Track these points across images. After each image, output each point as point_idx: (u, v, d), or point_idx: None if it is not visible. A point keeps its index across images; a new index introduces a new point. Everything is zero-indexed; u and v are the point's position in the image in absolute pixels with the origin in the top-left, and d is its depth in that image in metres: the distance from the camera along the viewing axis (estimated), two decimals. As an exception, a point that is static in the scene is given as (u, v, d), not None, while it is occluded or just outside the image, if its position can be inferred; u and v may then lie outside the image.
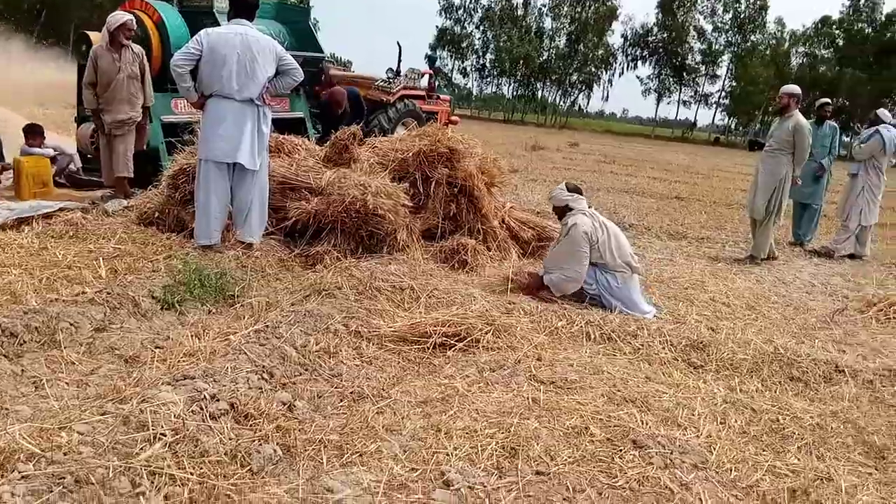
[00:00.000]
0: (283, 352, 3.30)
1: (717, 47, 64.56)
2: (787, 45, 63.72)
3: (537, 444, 2.73)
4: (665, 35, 64.25)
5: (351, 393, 3.13)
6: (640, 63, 67.03)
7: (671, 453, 2.74)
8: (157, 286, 4.08)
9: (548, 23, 66.12)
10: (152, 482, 2.12)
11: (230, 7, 5.33)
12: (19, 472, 2.00)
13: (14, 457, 2.07)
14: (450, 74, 66.00)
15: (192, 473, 2.20)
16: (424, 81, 12.80)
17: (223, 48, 4.94)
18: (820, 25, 61.95)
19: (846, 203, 8.24)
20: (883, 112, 8.40)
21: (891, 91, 55.52)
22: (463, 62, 68.04)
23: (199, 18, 7.50)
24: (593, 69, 66.22)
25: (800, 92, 7.35)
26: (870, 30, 58.66)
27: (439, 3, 65.25)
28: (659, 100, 67.70)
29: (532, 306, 4.55)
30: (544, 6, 65.25)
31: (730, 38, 64.19)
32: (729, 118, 69.63)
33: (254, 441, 2.50)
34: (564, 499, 2.42)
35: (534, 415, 3.00)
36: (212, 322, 3.86)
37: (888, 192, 9.22)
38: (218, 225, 5.16)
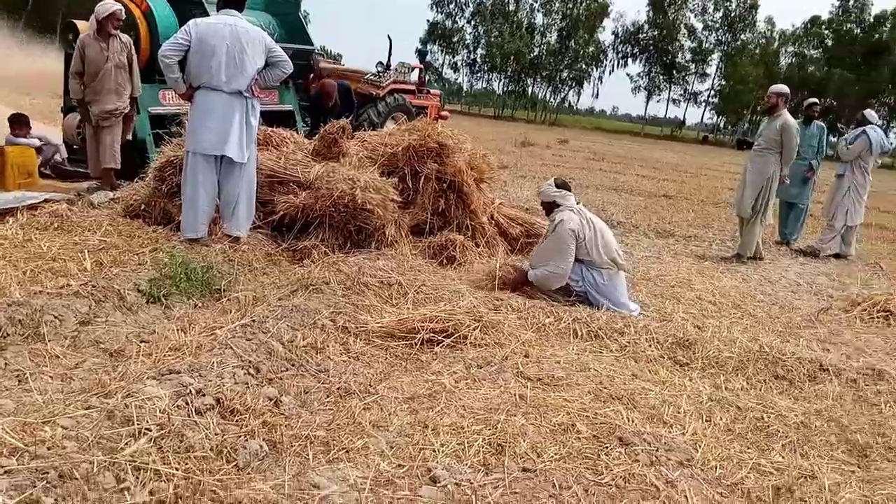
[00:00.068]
0: (270, 347, 3.28)
1: (707, 46, 65.00)
2: (776, 44, 64.29)
3: (524, 441, 2.73)
4: (656, 33, 64.55)
5: (338, 389, 3.12)
6: (630, 60, 67.54)
7: (657, 451, 2.75)
8: (143, 279, 4.05)
9: (539, 18, 66.40)
10: (137, 477, 2.10)
11: (219, -3, 5.28)
12: (2, 467, 1.98)
13: (-3, 451, 2.05)
14: (440, 69, 65.96)
15: (177, 469, 2.19)
16: (415, 76, 12.73)
17: (212, 39, 4.89)
18: (809, 25, 62.53)
19: (832, 203, 8.31)
20: (870, 113, 8.47)
21: (878, 92, 56.17)
22: (454, 57, 68.16)
23: (188, 8, 7.42)
24: (584, 66, 66.47)
25: (788, 92, 7.40)
26: (858, 30, 59.23)
27: (431, -4, 65.23)
28: (649, 98, 68.14)
29: (519, 303, 4.55)
30: (535, 2, 65.40)
31: (720, 37, 64.68)
32: (718, 117, 70.12)
33: (240, 436, 2.49)
34: (550, 495, 2.42)
35: (521, 411, 3.01)
36: (198, 316, 3.84)
37: (873, 193, 9.32)
38: (205, 218, 5.12)
